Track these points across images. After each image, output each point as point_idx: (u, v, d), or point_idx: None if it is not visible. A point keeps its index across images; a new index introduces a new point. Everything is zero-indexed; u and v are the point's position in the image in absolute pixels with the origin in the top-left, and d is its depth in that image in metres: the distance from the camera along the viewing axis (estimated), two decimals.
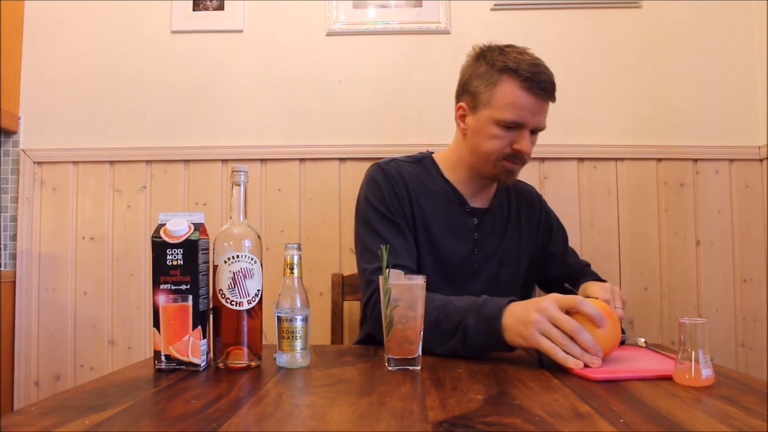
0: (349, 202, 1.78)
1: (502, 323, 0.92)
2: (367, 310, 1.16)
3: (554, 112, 1.25)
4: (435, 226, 1.24)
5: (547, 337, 0.87)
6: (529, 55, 1.18)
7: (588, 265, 1.45)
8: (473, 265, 1.27)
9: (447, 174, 1.30)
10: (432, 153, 1.35)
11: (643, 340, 1.11)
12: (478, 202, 1.30)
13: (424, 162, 1.32)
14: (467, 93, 1.23)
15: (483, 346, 0.96)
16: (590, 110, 1.83)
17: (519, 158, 1.21)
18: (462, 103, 1.25)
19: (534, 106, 1.16)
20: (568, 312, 0.88)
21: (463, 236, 1.27)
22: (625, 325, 1.75)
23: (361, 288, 1.19)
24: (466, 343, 0.96)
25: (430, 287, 0.94)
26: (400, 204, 1.22)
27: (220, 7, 1.86)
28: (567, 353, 0.85)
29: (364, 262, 1.20)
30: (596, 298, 1.09)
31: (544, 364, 0.89)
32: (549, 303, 0.88)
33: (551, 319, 0.87)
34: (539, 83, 1.14)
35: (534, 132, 1.20)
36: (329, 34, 1.86)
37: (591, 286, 1.22)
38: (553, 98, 1.19)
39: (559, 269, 1.40)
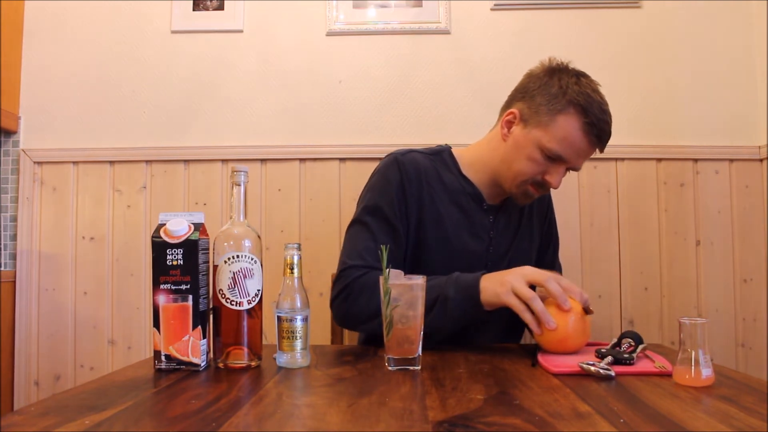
0: (349, 202, 1.78)
1: (480, 286, 1.02)
2: (334, 305, 1.15)
3: None
4: (449, 222, 1.21)
5: (518, 296, 0.97)
6: (600, 95, 1.14)
7: None
8: (487, 264, 1.24)
9: (465, 170, 1.27)
10: (450, 147, 1.31)
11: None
12: (492, 200, 1.27)
13: (442, 155, 1.28)
14: (525, 103, 1.18)
15: (461, 313, 1.03)
16: None
17: (544, 188, 1.19)
18: (515, 110, 1.19)
19: (583, 150, 1.15)
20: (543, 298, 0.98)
21: (478, 234, 1.24)
22: (625, 325, 1.78)
23: (335, 278, 1.16)
24: (446, 313, 1.03)
25: None
26: (406, 205, 1.19)
27: (220, 7, 1.86)
28: (532, 312, 0.96)
29: (345, 255, 1.17)
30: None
31: (534, 363, 0.92)
32: (521, 271, 1.00)
33: (524, 277, 0.99)
34: (599, 131, 1.12)
35: (568, 169, 1.19)
36: (329, 34, 1.86)
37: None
38: (602, 149, 1.17)
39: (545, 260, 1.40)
